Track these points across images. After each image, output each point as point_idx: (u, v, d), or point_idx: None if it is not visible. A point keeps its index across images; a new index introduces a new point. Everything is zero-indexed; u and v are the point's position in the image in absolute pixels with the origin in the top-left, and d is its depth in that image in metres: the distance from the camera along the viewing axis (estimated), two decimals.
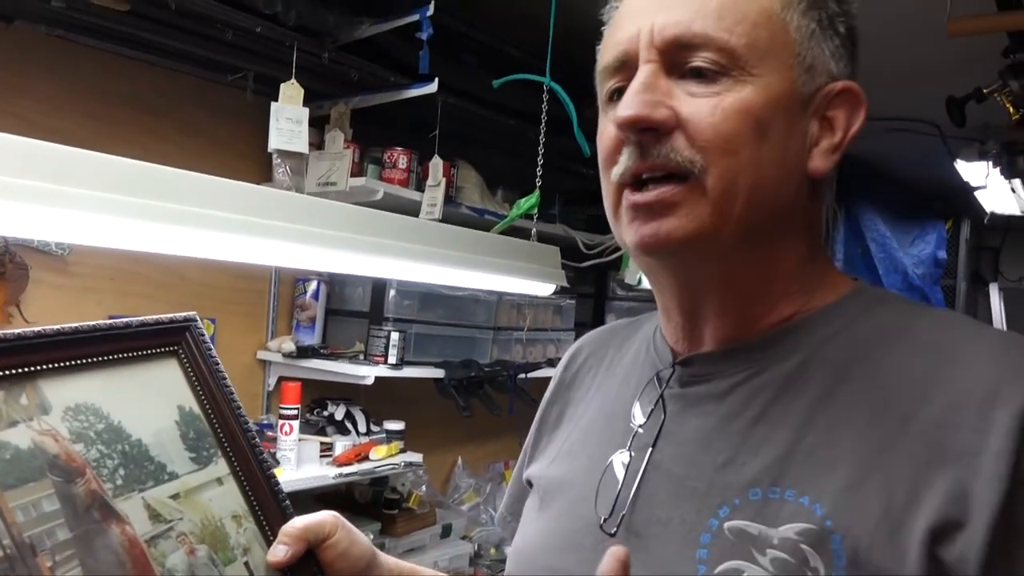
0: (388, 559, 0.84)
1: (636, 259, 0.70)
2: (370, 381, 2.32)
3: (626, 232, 0.67)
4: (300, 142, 1.97)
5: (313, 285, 2.52)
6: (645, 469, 0.68)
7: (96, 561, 0.62)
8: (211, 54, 2.04)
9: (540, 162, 1.94)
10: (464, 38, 2.27)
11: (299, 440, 2.20)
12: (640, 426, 0.71)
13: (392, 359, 2.39)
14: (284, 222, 1.21)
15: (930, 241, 4.56)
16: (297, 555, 0.72)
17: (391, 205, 2.16)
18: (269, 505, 0.75)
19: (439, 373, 2.53)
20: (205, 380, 0.77)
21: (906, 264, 4.31)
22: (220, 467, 0.74)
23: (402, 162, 2.37)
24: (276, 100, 1.97)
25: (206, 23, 1.87)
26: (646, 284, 3.05)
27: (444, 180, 2.37)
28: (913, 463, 0.57)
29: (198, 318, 0.79)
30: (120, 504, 0.65)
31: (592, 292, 3.49)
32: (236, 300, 2.42)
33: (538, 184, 1.96)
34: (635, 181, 0.65)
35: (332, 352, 2.48)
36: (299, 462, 2.19)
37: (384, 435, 2.46)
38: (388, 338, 2.39)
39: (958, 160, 3.21)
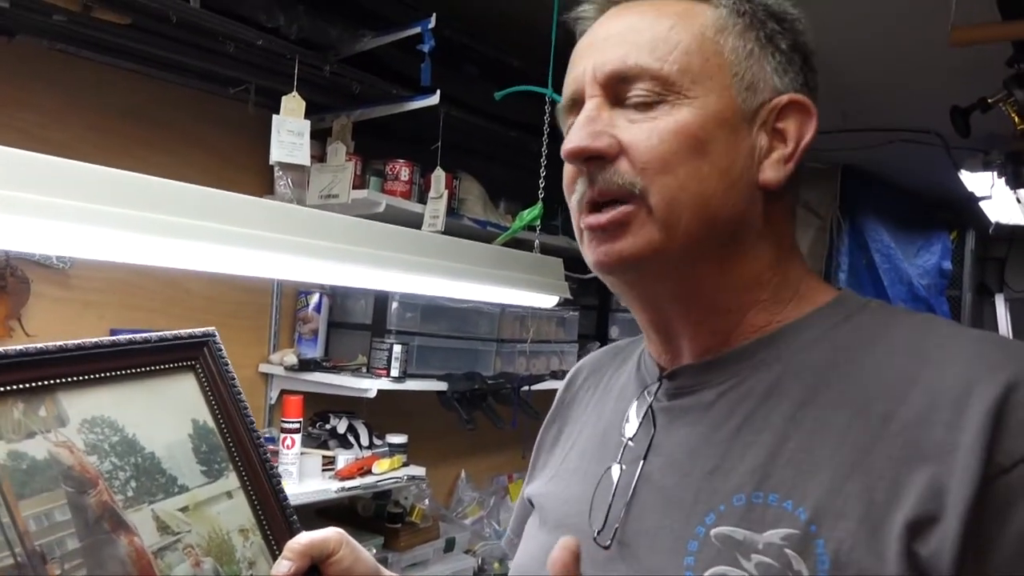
0: (391, 575, 0.85)
1: (601, 278, 0.73)
2: (372, 394, 2.30)
3: (586, 253, 0.71)
4: (302, 154, 1.96)
5: (315, 298, 2.51)
6: (636, 482, 0.70)
7: (103, 571, 0.63)
8: (213, 67, 2.04)
9: (543, 174, 1.94)
10: (466, 50, 2.27)
11: (301, 454, 2.19)
12: (631, 439, 0.73)
13: (395, 372, 2.37)
14: (286, 235, 1.20)
15: (935, 252, 4.55)
16: (301, 571, 0.72)
17: (393, 217, 2.15)
18: (276, 520, 0.77)
19: (442, 386, 2.52)
20: (221, 395, 0.78)
21: (911, 275, 4.29)
22: (231, 481, 0.75)
23: (404, 174, 2.37)
24: (278, 113, 1.97)
25: (208, 36, 1.87)
26: None
27: (446, 192, 2.36)
28: (892, 462, 0.58)
29: (216, 333, 0.81)
30: (130, 515, 0.67)
31: (596, 304, 3.48)
32: (238, 313, 2.41)
33: (541, 196, 1.96)
34: (592, 207, 0.69)
35: (334, 365, 2.47)
36: (301, 476, 2.18)
37: (387, 448, 2.44)
38: (391, 351, 2.38)
39: (962, 170, 3.20)
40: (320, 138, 2.27)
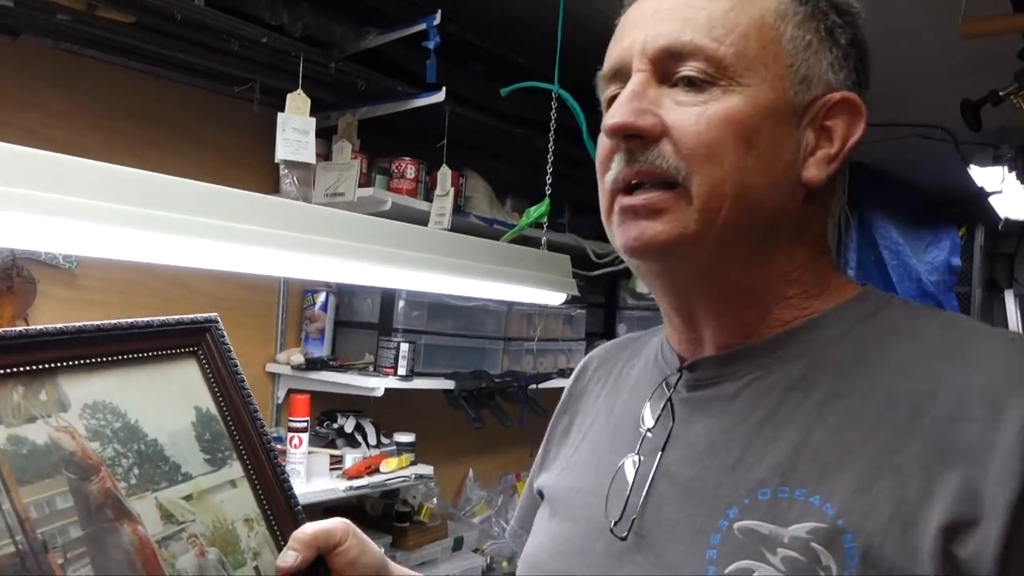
0: (399, 569, 0.85)
1: (627, 262, 0.71)
2: (380, 393, 2.30)
3: (615, 234, 0.69)
4: (307, 152, 1.96)
5: (322, 296, 2.51)
6: (654, 473, 0.69)
7: (106, 560, 0.62)
8: (217, 65, 2.04)
9: (549, 170, 1.93)
10: (471, 47, 2.26)
11: (309, 453, 2.19)
12: (649, 430, 0.72)
13: (402, 370, 2.37)
14: (292, 232, 1.20)
15: (944, 248, 4.52)
16: (307, 561, 0.72)
17: (399, 215, 2.15)
18: (281, 510, 0.75)
19: (449, 384, 2.51)
20: (223, 381, 0.77)
21: (920, 271, 4.27)
22: (234, 469, 0.74)
23: (410, 172, 2.36)
24: (283, 111, 1.97)
25: (212, 34, 1.86)
26: None
27: (452, 190, 2.35)
28: (922, 460, 0.57)
29: (218, 319, 0.80)
30: (133, 503, 0.66)
31: (603, 301, 3.47)
32: (245, 312, 2.41)
33: (547, 193, 1.95)
34: (627, 186, 0.67)
35: (341, 364, 2.46)
36: (309, 475, 2.17)
37: (394, 447, 2.43)
38: (398, 349, 2.37)
39: (972, 165, 3.18)
40: (326, 136, 2.27)
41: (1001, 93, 2.07)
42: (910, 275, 4.22)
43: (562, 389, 0.94)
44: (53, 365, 0.66)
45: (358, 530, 0.78)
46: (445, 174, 2.35)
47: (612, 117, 0.66)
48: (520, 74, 2.04)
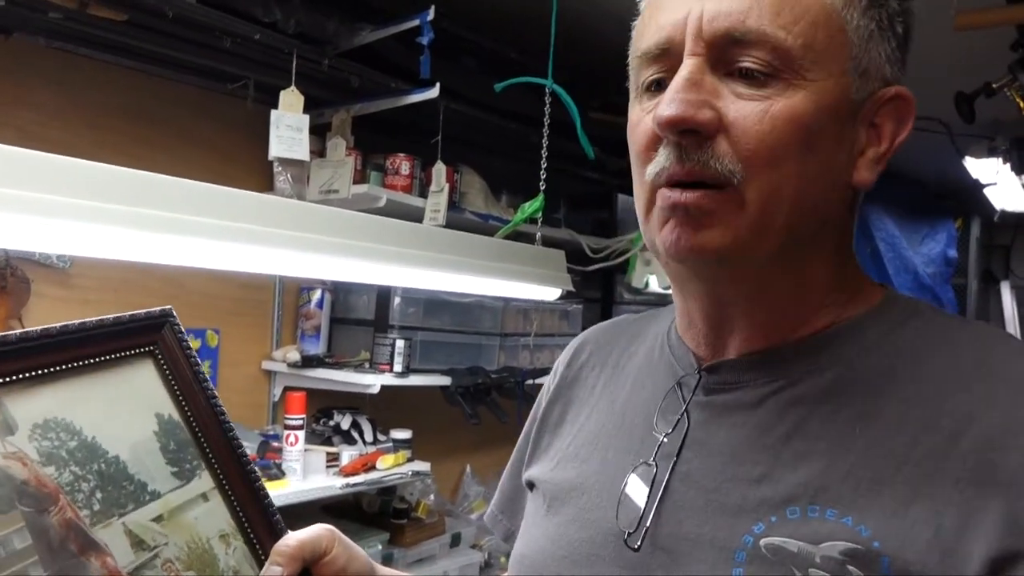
0: (387, 571, 0.81)
1: (664, 264, 0.66)
2: (376, 390, 2.30)
3: (658, 235, 0.63)
4: (301, 149, 1.95)
5: (317, 294, 2.51)
6: (669, 480, 0.65)
7: None
8: (210, 63, 2.03)
9: (543, 166, 1.93)
10: (465, 42, 2.25)
11: (305, 450, 2.19)
12: (665, 435, 0.67)
13: (398, 367, 2.37)
14: (287, 230, 1.20)
15: (940, 240, 4.52)
16: None
17: (394, 212, 2.14)
18: (258, 521, 0.69)
19: (446, 380, 2.51)
20: (186, 381, 0.69)
21: (916, 263, 4.27)
22: (204, 481, 0.67)
23: (405, 168, 2.35)
24: (276, 108, 1.96)
25: (204, 32, 1.86)
26: (653, 287, 3.05)
27: (447, 186, 2.35)
28: (962, 486, 0.54)
29: (173, 310, 0.71)
30: (99, 532, 0.59)
31: (599, 296, 3.47)
32: (240, 310, 2.40)
33: (542, 188, 1.95)
34: (669, 183, 0.61)
35: (337, 361, 2.46)
36: (305, 472, 2.17)
37: (391, 444, 2.44)
38: (393, 346, 2.37)
39: (967, 157, 3.18)
40: (320, 133, 2.26)
41: (994, 85, 2.06)
42: (906, 267, 4.22)
43: (550, 374, 0.89)
44: None
45: (343, 536, 0.73)
46: (440, 170, 2.34)
47: (668, 107, 0.58)
48: (514, 69, 2.04)
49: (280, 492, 2.00)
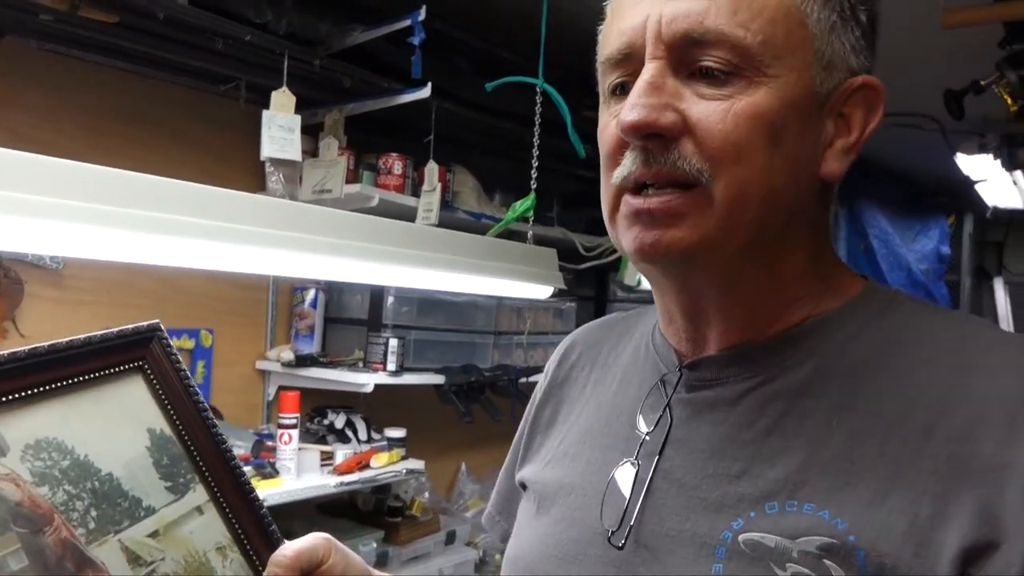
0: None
1: (635, 264, 0.67)
2: (369, 389, 2.31)
3: (624, 237, 0.64)
4: (293, 150, 1.96)
5: (311, 293, 2.51)
6: (652, 478, 0.65)
7: None
8: (202, 64, 2.04)
9: (535, 164, 1.94)
10: (456, 42, 2.26)
11: (299, 449, 2.19)
12: (647, 434, 0.68)
13: (391, 366, 2.38)
14: (280, 230, 1.20)
15: (933, 236, 4.54)
16: None
17: (387, 211, 2.15)
18: (254, 532, 0.69)
19: (439, 379, 2.52)
20: (177, 396, 0.69)
21: (909, 260, 4.29)
22: (199, 494, 0.68)
23: (397, 168, 2.36)
24: (268, 108, 1.97)
25: (196, 33, 1.86)
26: (646, 285, 3.04)
27: (440, 185, 2.36)
28: (937, 477, 0.55)
29: (161, 325, 0.71)
30: (95, 551, 0.59)
31: (592, 295, 3.48)
32: (234, 310, 2.41)
33: (533, 187, 1.96)
34: (636, 185, 0.62)
35: (331, 360, 2.47)
36: (300, 471, 2.18)
37: (385, 443, 2.44)
38: (387, 345, 2.38)
39: (959, 154, 3.19)
40: (313, 133, 2.27)
41: (983, 83, 2.07)
42: (900, 264, 4.24)
43: (541, 375, 0.89)
44: None
45: (339, 544, 0.73)
46: (432, 169, 2.35)
47: (630, 112, 0.59)
48: (506, 69, 2.05)
49: (274, 491, 2.01)
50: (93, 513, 0.60)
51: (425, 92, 2.11)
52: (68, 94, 2.00)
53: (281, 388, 2.38)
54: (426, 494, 2.72)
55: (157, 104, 2.18)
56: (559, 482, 0.75)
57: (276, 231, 1.19)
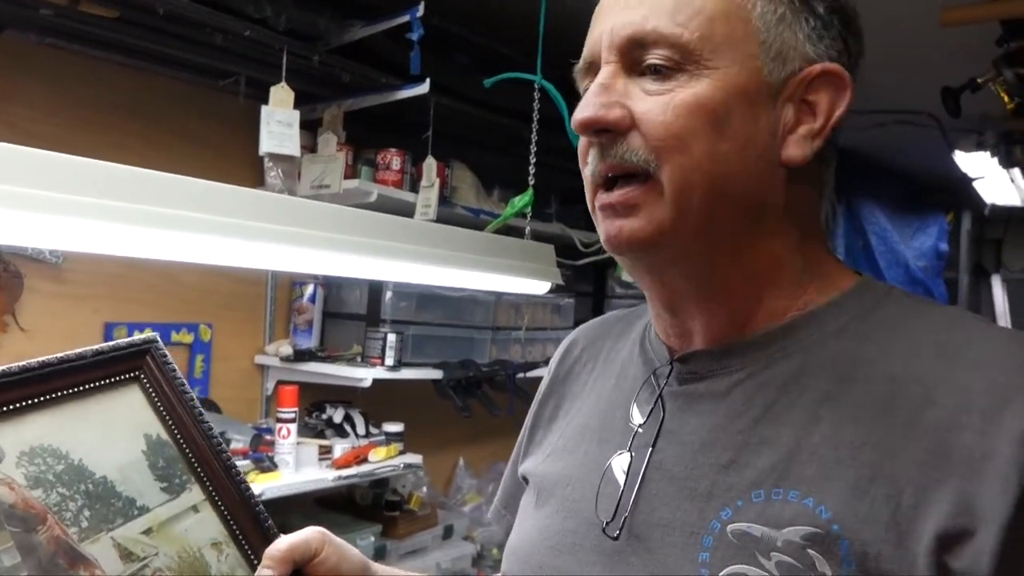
0: (381, 569, 0.82)
1: (614, 257, 0.71)
2: (368, 383, 2.31)
3: (599, 230, 0.68)
4: (291, 145, 1.97)
5: (310, 288, 2.52)
6: (646, 470, 0.67)
7: None
8: (201, 59, 2.04)
9: (533, 160, 1.94)
10: (455, 38, 2.27)
11: (298, 443, 2.20)
12: (640, 426, 0.70)
13: (389, 361, 2.38)
14: (279, 225, 1.21)
15: (931, 233, 4.55)
16: None
17: (385, 207, 2.16)
18: (250, 528, 0.72)
19: (437, 374, 2.53)
20: (171, 404, 0.73)
21: (907, 257, 4.29)
22: (194, 494, 0.71)
23: (396, 163, 2.37)
24: (268, 104, 1.97)
25: (195, 28, 1.87)
26: None
27: (438, 181, 2.36)
28: (919, 467, 0.56)
29: (158, 339, 0.75)
30: (87, 547, 0.63)
31: (591, 290, 3.49)
32: (233, 305, 2.42)
33: (531, 183, 1.96)
34: (605, 182, 0.67)
35: (330, 355, 2.47)
36: (298, 465, 2.19)
37: (383, 437, 2.45)
38: (385, 340, 2.39)
39: (957, 151, 3.20)
40: (311, 128, 2.27)
41: (979, 80, 2.08)
42: (898, 261, 4.25)
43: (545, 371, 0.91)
44: None
45: (334, 537, 0.75)
46: (430, 165, 2.36)
47: (581, 111, 0.65)
48: (504, 65, 2.05)
49: (273, 484, 2.02)
50: (86, 513, 0.64)
51: (424, 88, 2.11)
52: (68, 88, 2.01)
53: (280, 382, 2.39)
54: (424, 488, 2.73)
55: (156, 99, 2.18)
56: (558, 475, 0.77)
57: (275, 226, 1.20)
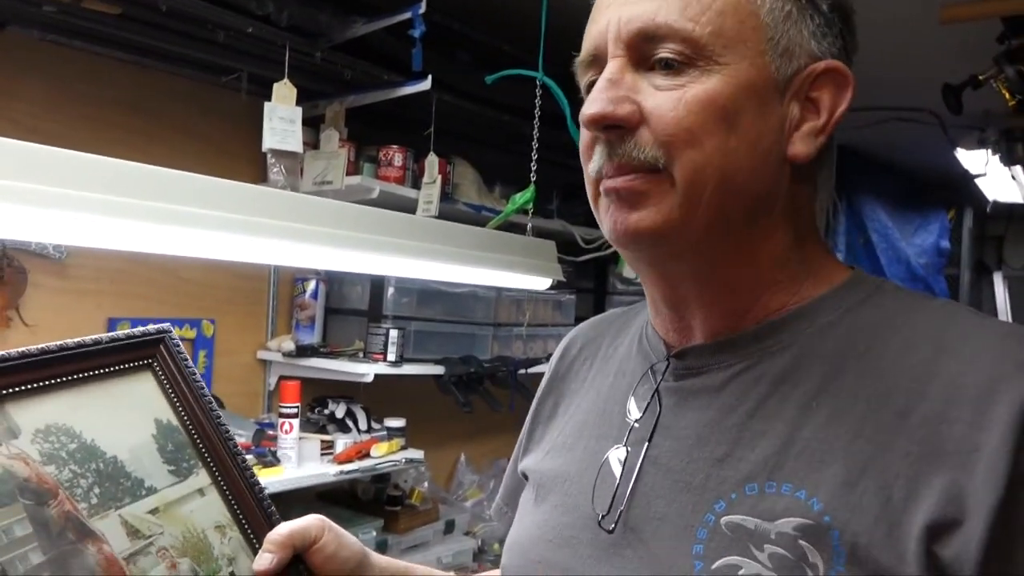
0: (379, 558, 0.83)
1: (618, 250, 0.70)
2: (370, 379, 2.32)
3: (603, 223, 0.67)
4: (294, 141, 1.97)
5: (312, 284, 2.53)
6: (642, 464, 0.68)
7: None
8: (204, 55, 2.05)
9: (534, 157, 1.95)
10: (457, 35, 2.27)
11: (300, 438, 2.21)
12: (636, 420, 0.71)
13: (391, 356, 2.39)
14: (282, 221, 1.22)
15: (933, 231, 4.55)
16: (283, 562, 0.72)
17: (387, 203, 2.16)
18: (253, 513, 0.74)
19: (439, 370, 2.54)
20: (182, 391, 0.76)
21: (909, 254, 4.30)
22: (201, 478, 0.74)
23: (397, 160, 2.37)
24: (270, 100, 1.98)
25: (198, 25, 1.88)
26: None
27: (440, 177, 2.37)
28: (910, 459, 0.56)
29: (171, 329, 0.78)
30: (96, 523, 0.65)
31: (592, 287, 3.49)
32: (235, 300, 2.43)
33: (533, 179, 1.97)
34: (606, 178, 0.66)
35: (332, 350, 2.48)
36: (300, 460, 2.20)
37: (385, 432, 2.46)
38: (387, 336, 2.40)
39: (958, 148, 3.20)
40: (313, 125, 2.28)
41: (981, 77, 2.08)
42: (899, 258, 4.25)
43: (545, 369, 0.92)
44: None
45: (334, 525, 0.77)
46: (432, 162, 2.36)
47: (590, 106, 0.64)
48: (506, 62, 2.05)
49: (275, 479, 2.03)
50: (96, 490, 0.66)
51: (425, 84, 2.12)
52: (70, 85, 2.01)
53: (282, 378, 2.40)
54: (425, 484, 2.74)
55: (159, 95, 2.19)
56: (556, 471, 0.77)
57: (278, 222, 1.21)
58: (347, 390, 2.49)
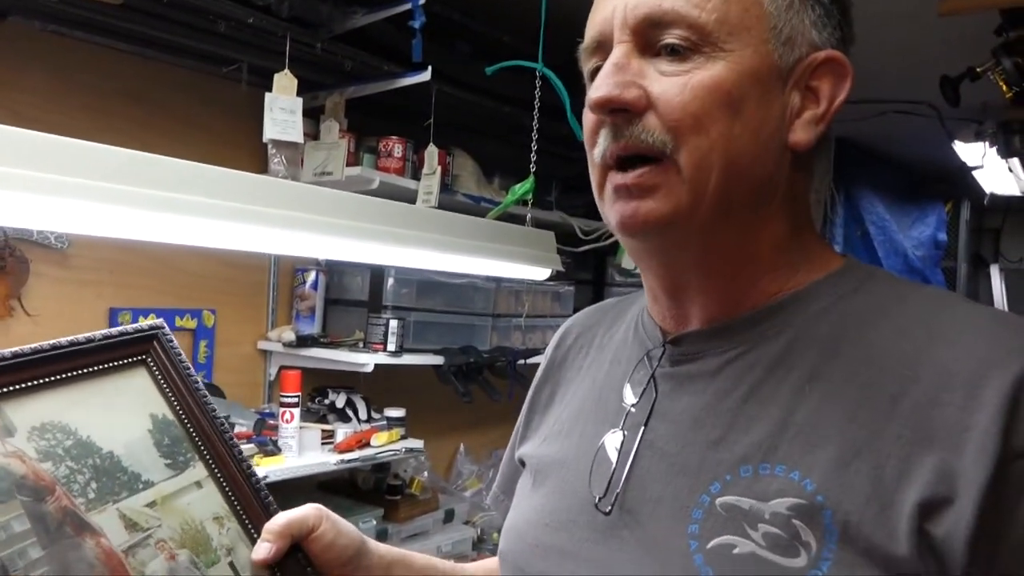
0: (378, 546, 0.84)
1: (620, 240, 0.71)
2: (369, 369, 2.34)
3: (609, 213, 0.68)
4: (294, 132, 1.98)
5: (312, 275, 2.54)
6: (638, 448, 0.69)
7: (71, 574, 0.62)
8: (205, 46, 2.05)
9: (534, 148, 1.95)
10: (457, 26, 2.28)
11: (300, 428, 2.22)
12: (632, 405, 0.72)
13: (391, 346, 2.40)
14: (281, 209, 1.22)
15: (930, 223, 4.56)
16: (281, 551, 0.72)
17: (387, 194, 2.17)
18: (251, 504, 0.75)
19: (438, 360, 2.55)
20: (177, 386, 0.77)
21: (906, 246, 4.31)
22: (198, 471, 0.74)
23: (397, 151, 2.38)
24: (271, 91, 1.99)
25: (199, 15, 1.88)
26: None
27: (440, 168, 2.38)
28: (902, 442, 0.57)
29: (165, 325, 0.79)
30: (93, 517, 0.66)
31: (591, 278, 3.51)
32: (236, 291, 2.44)
33: (532, 170, 1.98)
34: (618, 163, 0.66)
35: (332, 341, 2.50)
36: (301, 449, 2.21)
37: (385, 422, 2.47)
38: (387, 326, 2.41)
39: (956, 141, 3.21)
40: (314, 116, 2.29)
41: (978, 70, 2.09)
42: (896, 250, 4.26)
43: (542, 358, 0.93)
44: None
45: (332, 513, 0.78)
46: (432, 153, 2.37)
47: (596, 91, 0.65)
48: (506, 53, 2.06)
49: (276, 468, 2.04)
50: (93, 485, 0.67)
51: (425, 75, 2.12)
52: (71, 75, 2.02)
53: (282, 368, 2.41)
54: (425, 473, 2.75)
55: (160, 86, 2.19)
56: (553, 457, 0.78)
57: (279, 211, 1.21)
58: (347, 380, 2.50)
